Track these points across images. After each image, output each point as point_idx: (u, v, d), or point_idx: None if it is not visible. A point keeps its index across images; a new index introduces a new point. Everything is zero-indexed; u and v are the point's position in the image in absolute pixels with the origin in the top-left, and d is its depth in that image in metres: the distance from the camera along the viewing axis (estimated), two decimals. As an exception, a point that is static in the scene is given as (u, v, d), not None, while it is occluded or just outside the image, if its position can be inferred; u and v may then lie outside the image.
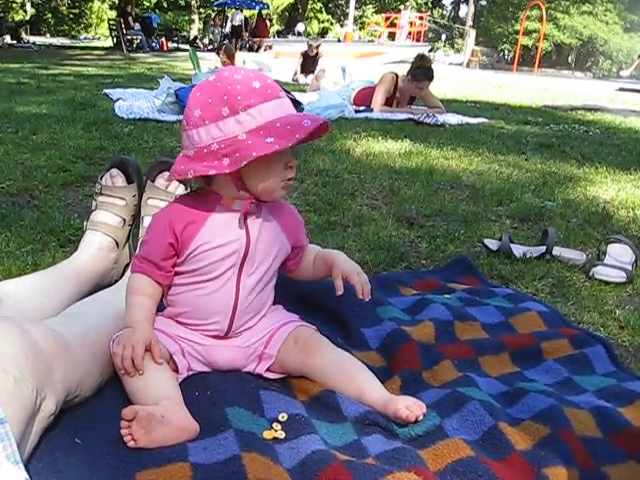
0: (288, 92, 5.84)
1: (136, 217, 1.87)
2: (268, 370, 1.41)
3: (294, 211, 1.48)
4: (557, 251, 2.41)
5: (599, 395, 1.44)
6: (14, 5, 36.55)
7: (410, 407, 1.26)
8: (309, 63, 10.94)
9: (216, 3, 30.72)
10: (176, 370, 1.31)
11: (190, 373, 1.36)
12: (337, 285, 1.40)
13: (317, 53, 10.95)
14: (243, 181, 1.28)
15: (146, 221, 1.81)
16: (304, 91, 8.12)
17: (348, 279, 1.40)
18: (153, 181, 1.86)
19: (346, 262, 1.43)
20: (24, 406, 1.02)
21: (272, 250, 1.39)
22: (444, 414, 1.30)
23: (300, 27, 13.87)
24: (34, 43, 23.61)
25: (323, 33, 34.54)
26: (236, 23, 25.73)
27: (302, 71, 10.93)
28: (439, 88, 8.06)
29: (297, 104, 5.60)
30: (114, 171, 1.88)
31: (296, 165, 1.32)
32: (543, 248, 2.39)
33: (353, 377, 1.35)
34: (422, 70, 6.40)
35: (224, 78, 1.26)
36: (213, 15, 29.87)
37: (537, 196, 3.42)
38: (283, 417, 1.24)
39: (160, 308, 1.41)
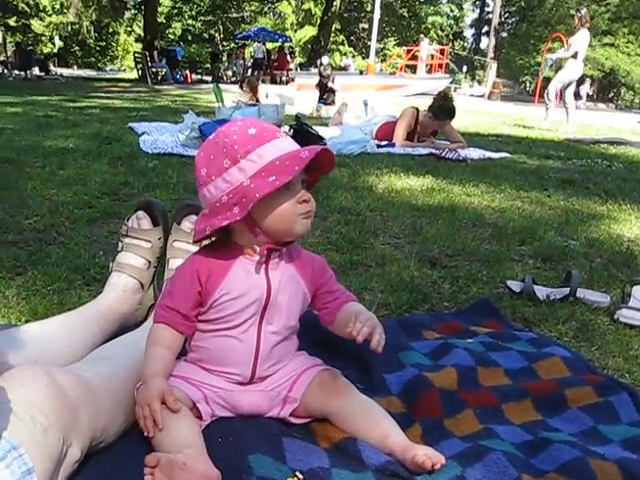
0: (310, 127, 5.91)
1: (161, 259, 1.89)
2: (292, 414, 1.40)
3: (316, 259, 1.47)
4: (581, 293, 2.38)
5: (625, 445, 1.41)
6: (43, 38, 37.50)
7: (429, 454, 1.25)
8: (328, 95, 11.10)
9: (239, 36, 31.29)
10: (199, 417, 1.31)
11: (213, 419, 1.36)
12: (356, 328, 1.31)
13: (331, 81, 11.11)
14: (259, 225, 1.30)
15: (171, 263, 1.84)
16: (326, 125, 8.18)
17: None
18: (179, 224, 1.89)
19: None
20: (51, 454, 1.03)
21: (293, 299, 1.39)
22: (466, 464, 1.28)
23: (324, 60, 13.99)
24: (61, 75, 24.20)
25: (345, 66, 34.88)
26: (258, 56, 26.15)
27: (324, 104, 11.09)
28: (460, 121, 8.08)
29: (320, 139, 5.66)
30: (140, 213, 1.91)
31: (311, 198, 1.31)
32: (567, 290, 2.37)
33: (376, 421, 1.35)
34: (444, 109, 6.43)
35: (221, 133, 1.31)
36: (236, 48, 30.36)
37: (560, 235, 3.39)
38: (303, 471, 1.23)
39: (183, 353, 1.42)
